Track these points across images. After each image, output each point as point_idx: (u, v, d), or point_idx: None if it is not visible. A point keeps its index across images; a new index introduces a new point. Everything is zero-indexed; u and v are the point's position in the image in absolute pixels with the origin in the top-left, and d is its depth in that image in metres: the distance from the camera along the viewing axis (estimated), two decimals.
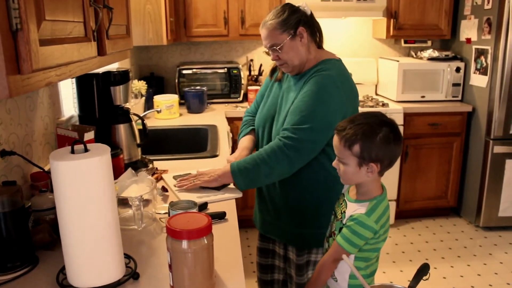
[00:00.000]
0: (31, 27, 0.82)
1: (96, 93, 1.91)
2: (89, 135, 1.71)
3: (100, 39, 1.32)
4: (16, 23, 0.78)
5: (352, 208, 1.43)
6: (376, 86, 4.22)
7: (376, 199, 1.40)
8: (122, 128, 1.98)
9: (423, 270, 1.46)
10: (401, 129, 3.49)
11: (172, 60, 4.10)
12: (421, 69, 3.79)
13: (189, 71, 3.75)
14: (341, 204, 1.50)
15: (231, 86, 3.78)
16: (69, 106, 2.20)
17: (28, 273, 1.20)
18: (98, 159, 1.03)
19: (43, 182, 1.56)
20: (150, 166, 2.05)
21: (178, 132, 2.91)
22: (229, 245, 1.36)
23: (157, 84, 3.81)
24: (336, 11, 3.71)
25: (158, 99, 3.27)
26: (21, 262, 1.22)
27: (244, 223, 2.53)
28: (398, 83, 3.78)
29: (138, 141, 2.06)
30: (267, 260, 2.03)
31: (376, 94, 4.20)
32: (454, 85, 3.81)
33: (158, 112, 3.13)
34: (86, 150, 1.06)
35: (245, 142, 1.96)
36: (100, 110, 1.93)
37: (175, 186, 1.79)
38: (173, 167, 2.04)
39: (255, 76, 4.02)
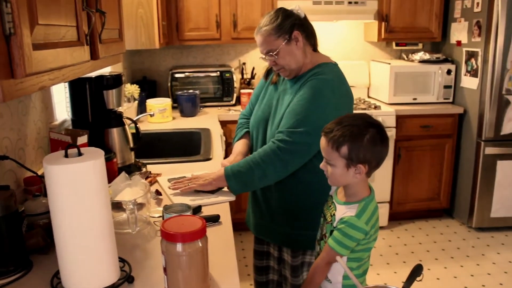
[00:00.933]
0: (24, 31, 0.82)
1: (89, 97, 1.90)
2: (82, 139, 1.71)
3: (93, 43, 1.32)
4: (9, 28, 0.79)
5: (342, 211, 1.44)
6: (368, 88, 4.24)
7: (364, 200, 1.42)
8: (115, 132, 1.98)
9: (416, 271, 1.47)
10: (393, 131, 3.58)
11: (164, 63, 4.10)
12: (413, 72, 3.82)
13: (182, 75, 3.75)
14: (330, 206, 1.51)
15: (224, 90, 3.78)
16: (62, 110, 2.20)
17: (22, 277, 1.19)
18: (92, 163, 1.03)
19: (36, 186, 1.55)
20: (144, 169, 2.04)
21: (171, 136, 2.91)
22: (223, 248, 1.37)
23: (149, 88, 3.81)
24: (327, 14, 3.73)
25: (151, 102, 3.27)
26: (14, 266, 1.21)
27: (238, 226, 2.53)
28: (390, 86, 3.80)
29: (131, 145, 2.06)
30: (262, 262, 2.04)
31: (368, 97, 4.23)
32: (445, 87, 3.84)
33: (151, 115, 3.13)
34: (80, 154, 1.06)
35: (239, 146, 1.96)
36: (93, 114, 1.93)
37: (169, 188, 1.79)
38: (166, 171, 2.04)
39: (247, 80, 4.03)
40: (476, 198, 3.66)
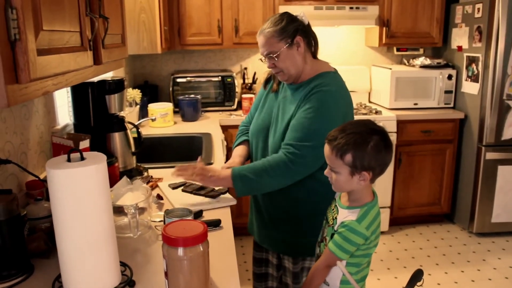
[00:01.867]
0: (29, 37, 0.83)
1: (91, 101, 1.91)
2: (84, 143, 1.72)
3: (96, 48, 1.33)
4: (14, 34, 0.79)
5: (343, 215, 1.45)
6: (369, 93, 4.25)
7: (366, 205, 1.42)
8: (117, 137, 1.99)
9: (417, 276, 1.48)
10: (394, 136, 3.58)
11: (166, 68, 4.11)
12: (414, 77, 3.82)
13: (183, 80, 3.77)
14: (333, 209, 1.52)
15: (225, 94, 3.79)
16: (64, 114, 2.21)
17: (23, 281, 1.20)
18: (95, 167, 1.04)
19: (38, 190, 1.56)
20: (145, 174, 2.05)
21: (172, 140, 2.92)
22: (224, 253, 1.37)
23: (151, 93, 3.82)
24: (329, 19, 3.75)
25: (153, 107, 3.28)
26: (16, 270, 1.22)
27: (239, 231, 2.53)
28: (390, 91, 3.81)
29: (133, 149, 2.07)
30: (261, 269, 2.04)
31: (369, 102, 4.24)
32: (446, 92, 3.85)
33: (153, 120, 3.12)
34: (82, 158, 1.07)
35: (239, 150, 1.98)
36: (95, 119, 1.94)
37: (172, 174, 1.74)
38: (168, 175, 2.04)
39: (249, 84, 4.04)
40: (477, 203, 3.65)
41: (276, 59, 1.73)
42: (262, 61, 1.81)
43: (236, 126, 2.15)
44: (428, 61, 3.90)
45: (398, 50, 4.15)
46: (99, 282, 1.10)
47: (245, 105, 3.71)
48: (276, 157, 1.67)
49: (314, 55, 1.83)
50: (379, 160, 1.38)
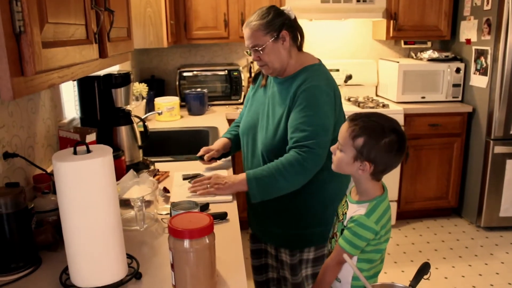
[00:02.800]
0: (34, 29, 0.83)
1: (98, 95, 1.92)
2: (91, 137, 1.72)
3: (102, 41, 1.33)
4: (19, 26, 0.80)
5: (353, 209, 1.44)
6: (376, 87, 4.23)
7: (376, 199, 1.41)
8: (123, 130, 1.99)
9: (423, 269, 1.46)
10: None
11: (172, 62, 4.11)
12: (421, 70, 3.80)
13: (190, 74, 3.76)
14: (343, 205, 1.51)
15: (232, 88, 3.79)
16: (71, 108, 2.22)
17: (31, 273, 1.21)
18: (101, 160, 1.04)
19: (45, 184, 1.57)
20: (152, 167, 2.06)
21: (179, 134, 2.93)
22: (230, 245, 1.37)
23: (158, 87, 3.83)
24: (336, 13, 3.72)
25: (159, 101, 3.28)
26: (24, 262, 1.23)
27: (245, 224, 2.53)
28: (398, 84, 3.79)
29: (140, 143, 2.07)
30: (260, 261, 2.05)
31: (377, 95, 4.21)
32: (454, 85, 3.82)
33: (159, 114, 3.13)
34: (88, 151, 1.07)
35: (223, 139, 2.08)
36: (102, 112, 1.94)
37: (189, 189, 1.75)
38: (174, 169, 2.05)
39: None
40: (485, 197, 3.63)
41: (261, 52, 1.73)
42: (247, 53, 1.82)
43: None
44: (436, 54, 3.86)
45: (405, 43, 4.12)
46: (106, 274, 1.10)
47: None
48: (290, 157, 1.65)
49: (300, 48, 1.83)
50: (385, 159, 1.36)
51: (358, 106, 3.71)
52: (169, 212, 1.51)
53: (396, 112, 3.58)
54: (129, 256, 1.24)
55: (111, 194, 1.09)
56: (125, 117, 2.01)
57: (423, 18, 3.85)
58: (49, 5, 0.92)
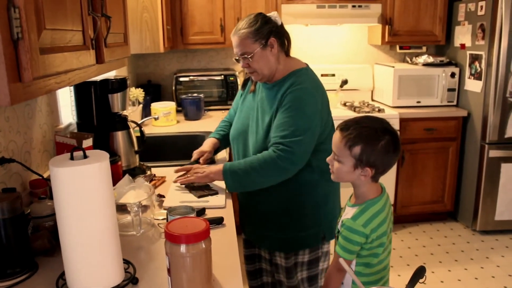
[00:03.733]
0: (31, 36, 0.84)
1: (94, 100, 1.92)
2: (88, 142, 1.73)
3: (99, 47, 1.34)
4: (17, 32, 0.80)
5: (346, 211, 1.46)
6: (372, 92, 4.25)
7: (365, 203, 1.41)
8: (120, 135, 1.99)
9: (419, 273, 1.47)
10: None
11: (169, 67, 4.12)
12: (417, 75, 3.82)
13: (186, 79, 3.77)
14: (344, 209, 1.52)
15: (228, 93, 3.80)
16: (68, 113, 2.22)
17: (27, 279, 1.21)
18: (98, 165, 1.05)
19: (42, 189, 1.57)
20: (148, 172, 2.06)
21: (175, 139, 2.93)
22: (227, 250, 1.38)
23: (154, 92, 3.83)
24: (331, 18, 3.74)
25: (156, 106, 3.29)
26: (20, 268, 1.23)
27: (238, 230, 2.53)
28: (393, 89, 3.81)
29: (136, 148, 2.08)
30: (254, 265, 2.06)
31: (372, 100, 4.23)
32: (449, 90, 3.84)
33: (156, 119, 3.14)
34: (85, 156, 1.08)
35: (211, 139, 2.09)
36: (98, 118, 1.95)
37: (173, 181, 1.86)
38: (170, 174, 2.05)
39: None
40: (480, 201, 3.65)
41: (250, 59, 1.76)
42: (236, 60, 1.85)
43: None
44: (431, 59, 3.89)
45: (401, 48, 4.15)
46: (102, 279, 1.10)
47: None
48: (266, 154, 1.70)
49: (287, 53, 1.86)
50: (385, 160, 1.37)
51: (354, 110, 3.72)
52: (165, 217, 1.51)
53: (391, 116, 3.60)
54: (125, 261, 1.25)
55: (108, 199, 1.09)
56: (122, 122, 2.02)
57: (418, 23, 3.88)
58: (47, 12, 0.93)
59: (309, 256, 1.86)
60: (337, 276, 1.46)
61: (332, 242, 1.85)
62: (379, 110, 3.70)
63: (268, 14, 1.80)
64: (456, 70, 3.81)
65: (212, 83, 3.80)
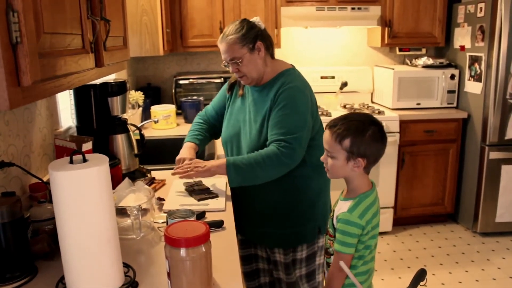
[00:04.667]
0: (30, 40, 0.84)
1: (94, 104, 1.92)
2: (87, 145, 1.72)
3: (98, 50, 1.34)
4: (16, 37, 0.80)
5: (340, 206, 1.50)
6: (371, 94, 4.25)
7: (359, 196, 1.46)
8: (119, 139, 1.99)
9: (420, 276, 1.48)
10: (397, 136, 3.59)
11: (168, 70, 4.12)
12: (416, 77, 3.82)
13: (186, 81, 3.77)
14: (336, 204, 1.55)
15: None
16: (67, 117, 2.21)
17: (27, 283, 1.21)
18: (97, 169, 1.05)
19: (41, 192, 1.57)
20: (148, 175, 2.06)
21: (175, 142, 2.92)
22: (227, 253, 1.37)
23: (154, 95, 3.83)
24: (331, 20, 3.75)
25: (155, 109, 3.29)
26: (20, 272, 1.22)
27: None
28: (393, 91, 3.81)
29: (136, 151, 2.08)
30: (251, 266, 2.07)
31: (372, 102, 4.23)
32: (449, 92, 3.84)
33: (155, 122, 3.14)
34: (84, 160, 1.08)
35: (191, 144, 2.01)
36: (98, 121, 1.95)
37: (172, 174, 1.83)
38: (170, 177, 2.05)
39: None
40: (481, 203, 3.64)
41: (239, 64, 1.81)
42: (225, 67, 1.89)
43: None
44: (430, 61, 3.89)
45: (400, 50, 4.15)
46: (102, 283, 1.10)
47: None
48: (269, 150, 1.74)
49: (272, 56, 1.92)
50: (374, 149, 1.43)
51: None
52: (165, 220, 1.51)
53: (391, 118, 3.60)
54: (125, 265, 1.24)
55: (108, 203, 1.09)
56: (121, 126, 2.02)
57: (417, 25, 3.88)
58: (46, 16, 0.93)
59: (306, 251, 1.90)
60: (339, 275, 1.48)
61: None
62: (379, 112, 3.70)
63: (251, 20, 1.85)
64: (456, 72, 3.81)
65: (212, 86, 3.80)
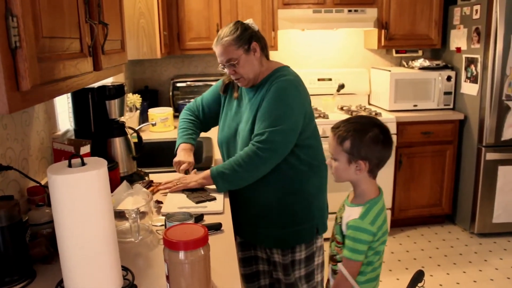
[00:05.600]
0: (29, 44, 0.84)
1: (92, 107, 1.92)
2: (85, 149, 1.72)
3: (96, 54, 1.34)
4: (15, 41, 0.80)
5: (348, 212, 1.47)
6: (368, 96, 4.26)
7: (369, 202, 1.44)
8: (117, 142, 1.99)
9: (418, 277, 1.48)
10: (394, 138, 3.57)
11: (166, 73, 4.13)
12: (413, 79, 3.84)
13: (183, 84, 3.77)
14: (341, 209, 1.54)
15: None
16: (65, 120, 2.22)
17: (26, 286, 1.20)
18: (96, 172, 1.05)
19: (39, 196, 1.57)
20: (146, 178, 2.06)
21: (173, 145, 2.90)
22: (225, 256, 1.37)
23: (151, 97, 3.83)
24: (327, 22, 3.76)
25: (153, 112, 3.29)
26: (18, 276, 1.22)
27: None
28: (390, 93, 3.82)
29: (134, 154, 2.08)
30: (251, 268, 2.07)
31: (369, 104, 4.24)
32: (446, 93, 3.86)
33: (153, 125, 3.14)
34: (83, 164, 1.08)
35: (187, 146, 2.05)
36: (96, 124, 1.95)
37: (160, 189, 1.90)
38: (168, 180, 2.05)
39: None
40: (478, 204, 3.66)
41: (236, 65, 1.82)
42: (221, 69, 1.91)
43: None
44: (427, 63, 3.91)
45: (397, 52, 4.17)
46: (101, 286, 1.10)
47: None
48: (247, 149, 1.76)
49: (267, 57, 1.93)
50: (375, 152, 1.42)
51: (351, 115, 3.73)
52: (163, 223, 1.51)
53: (388, 120, 3.61)
54: (124, 268, 1.24)
55: (106, 206, 1.09)
56: (119, 129, 2.02)
57: (414, 27, 3.90)
58: (45, 20, 0.93)
59: (305, 252, 1.90)
60: (346, 284, 1.46)
61: (325, 236, 1.89)
62: (376, 114, 3.71)
63: (244, 22, 1.86)
64: (452, 73, 3.83)
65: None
